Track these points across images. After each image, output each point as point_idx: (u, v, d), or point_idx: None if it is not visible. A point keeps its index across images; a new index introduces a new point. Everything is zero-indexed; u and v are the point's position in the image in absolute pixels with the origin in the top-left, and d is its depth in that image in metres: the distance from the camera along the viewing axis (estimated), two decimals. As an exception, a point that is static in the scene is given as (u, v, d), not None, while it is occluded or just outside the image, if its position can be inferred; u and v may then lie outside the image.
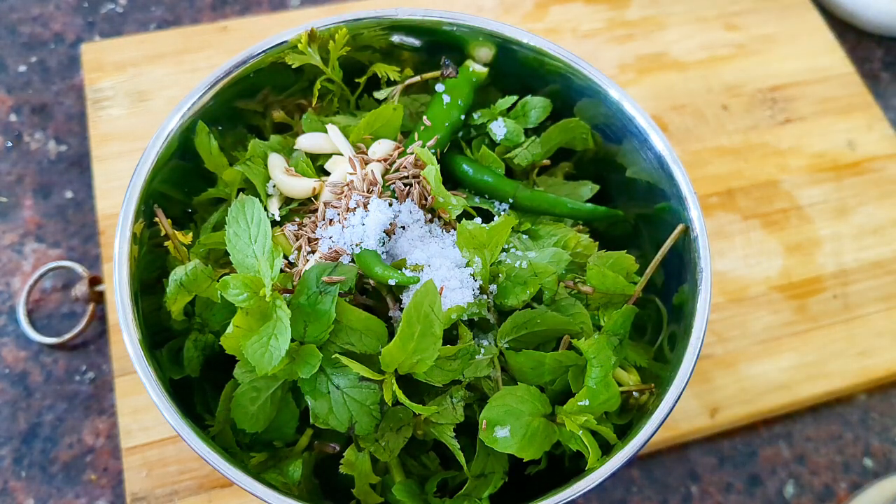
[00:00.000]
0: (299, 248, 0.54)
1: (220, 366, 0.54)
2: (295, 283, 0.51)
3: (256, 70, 0.59)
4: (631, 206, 0.62)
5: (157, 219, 0.55)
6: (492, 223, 0.53)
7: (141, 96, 0.77)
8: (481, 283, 0.52)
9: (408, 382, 0.50)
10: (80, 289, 0.69)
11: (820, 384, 0.70)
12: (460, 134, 0.62)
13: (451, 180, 0.60)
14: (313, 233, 0.54)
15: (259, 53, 0.59)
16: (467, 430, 0.52)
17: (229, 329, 0.49)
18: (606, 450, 0.51)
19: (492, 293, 0.53)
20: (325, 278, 0.48)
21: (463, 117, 0.61)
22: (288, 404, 0.52)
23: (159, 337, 0.54)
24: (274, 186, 0.58)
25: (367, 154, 0.58)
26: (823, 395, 0.71)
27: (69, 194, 0.76)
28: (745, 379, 0.70)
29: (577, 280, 0.55)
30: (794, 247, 0.77)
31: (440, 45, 0.62)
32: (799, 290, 0.75)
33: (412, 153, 0.57)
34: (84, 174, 0.77)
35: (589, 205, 0.60)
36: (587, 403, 0.51)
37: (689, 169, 0.56)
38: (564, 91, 0.62)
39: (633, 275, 0.56)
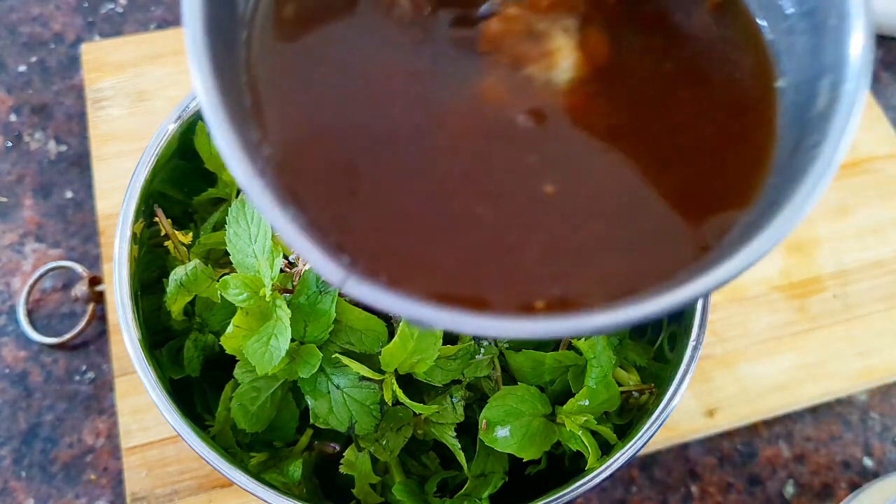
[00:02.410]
0: (299, 248, 0.54)
1: (220, 366, 0.54)
2: (295, 283, 0.51)
3: (256, 70, 0.59)
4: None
5: (157, 219, 0.55)
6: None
7: (141, 96, 0.77)
8: (481, 282, 0.52)
9: (408, 382, 0.50)
10: (80, 289, 0.69)
11: (820, 384, 0.70)
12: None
13: (451, 180, 0.60)
14: (313, 233, 0.54)
15: (259, 53, 0.59)
16: (467, 430, 0.52)
17: (229, 329, 0.49)
18: (606, 449, 0.51)
19: (492, 293, 0.53)
20: (325, 278, 0.48)
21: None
22: (288, 404, 0.52)
23: (159, 337, 0.54)
24: (274, 186, 0.58)
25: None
26: (823, 395, 0.71)
27: (69, 194, 0.76)
28: (744, 379, 0.70)
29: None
30: (794, 247, 0.77)
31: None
32: (799, 289, 0.75)
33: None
34: (84, 174, 0.77)
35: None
36: (587, 403, 0.51)
37: (689, 169, 0.56)
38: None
39: (633, 275, 0.56)
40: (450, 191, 0.35)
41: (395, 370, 0.49)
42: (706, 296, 0.30)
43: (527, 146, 0.36)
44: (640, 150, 0.36)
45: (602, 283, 0.33)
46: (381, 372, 0.49)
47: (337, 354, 0.48)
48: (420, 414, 0.50)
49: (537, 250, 0.34)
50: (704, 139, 0.36)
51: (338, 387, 0.49)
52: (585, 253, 0.34)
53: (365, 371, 0.48)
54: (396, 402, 0.49)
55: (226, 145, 0.32)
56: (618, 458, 0.48)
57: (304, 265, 0.52)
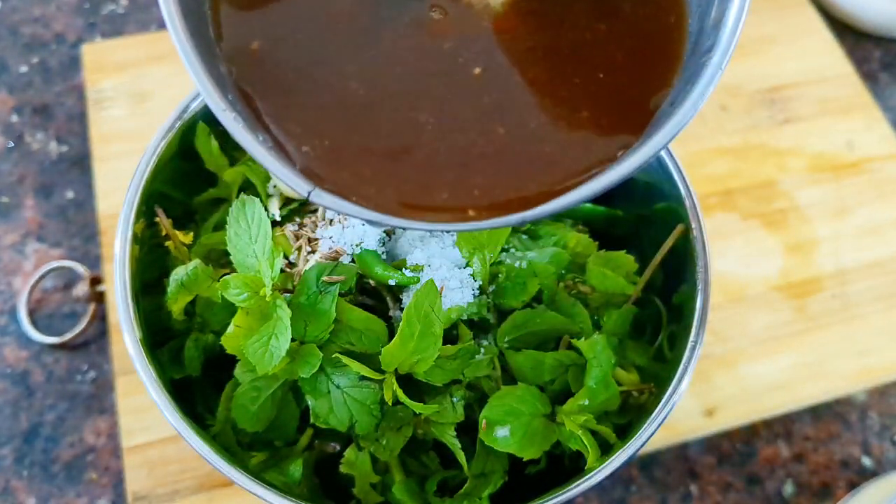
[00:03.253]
0: (299, 248, 0.54)
1: (220, 365, 0.54)
2: (295, 283, 0.51)
3: (257, 70, 0.59)
4: (630, 206, 0.62)
5: (158, 219, 0.55)
6: (492, 223, 0.53)
7: (142, 97, 0.78)
8: (481, 283, 0.52)
9: (408, 382, 0.50)
10: (82, 289, 0.69)
11: (819, 384, 0.70)
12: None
13: (451, 180, 0.60)
14: (313, 233, 0.54)
15: (259, 54, 0.59)
16: (467, 430, 0.52)
17: (230, 329, 0.49)
18: (606, 449, 0.51)
19: (492, 293, 0.53)
20: (325, 278, 0.49)
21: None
22: (288, 404, 0.52)
23: (160, 336, 0.55)
24: (274, 187, 0.58)
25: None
26: (822, 395, 0.71)
27: (70, 194, 0.76)
28: (744, 378, 0.70)
29: (576, 280, 0.55)
30: (793, 247, 0.77)
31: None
32: (798, 289, 0.75)
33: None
34: (85, 174, 0.77)
35: (588, 205, 0.60)
36: (587, 403, 0.51)
37: (689, 169, 0.56)
38: (564, 91, 0.62)
39: (632, 275, 0.56)
40: (398, 105, 0.40)
41: (396, 370, 0.49)
42: (628, 177, 0.37)
43: (469, 63, 0.41)
44: (578, 56, 0.42)
45: (556, 161, 0.40)
46: (382, 372, 0.49)
47: (337, 354, 0.49)
48: (420, 414, 0.50)
49: (479, 160, 0.39)
50: (632, 40, 0.43)
51: (338, 386, 0.49)
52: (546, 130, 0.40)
53: (365, 371, 0.48)
54: (396, 402, 0.49)
55: (199, 80, 0.35)
56: (617, 458, 0.49)
57: (305, 265, 0.53)
